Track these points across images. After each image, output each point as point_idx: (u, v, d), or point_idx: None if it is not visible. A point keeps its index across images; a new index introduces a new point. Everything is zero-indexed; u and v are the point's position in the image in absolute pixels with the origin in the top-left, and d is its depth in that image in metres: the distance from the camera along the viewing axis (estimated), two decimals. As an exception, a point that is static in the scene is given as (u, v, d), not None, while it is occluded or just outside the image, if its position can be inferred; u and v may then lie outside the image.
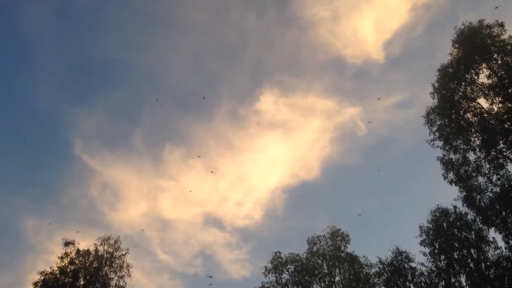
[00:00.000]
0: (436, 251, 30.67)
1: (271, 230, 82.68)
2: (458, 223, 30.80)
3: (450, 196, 34.95)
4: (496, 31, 29.59)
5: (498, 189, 28.21)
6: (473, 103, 29.97)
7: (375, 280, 33.85)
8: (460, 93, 30.29)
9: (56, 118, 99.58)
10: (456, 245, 30.24)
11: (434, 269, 30.49)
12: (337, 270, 35.81)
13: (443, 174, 30.11)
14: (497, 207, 27.86)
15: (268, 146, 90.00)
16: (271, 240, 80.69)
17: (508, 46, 28.85)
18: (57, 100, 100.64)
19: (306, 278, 35.63)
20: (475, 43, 29.59)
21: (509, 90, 28.37)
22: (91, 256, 36.68)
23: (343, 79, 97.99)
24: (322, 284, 35.28)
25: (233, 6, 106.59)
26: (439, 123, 30.86)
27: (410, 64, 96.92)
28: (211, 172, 74.61)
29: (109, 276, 36.14)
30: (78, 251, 36.62)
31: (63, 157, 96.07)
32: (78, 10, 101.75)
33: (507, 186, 27.99)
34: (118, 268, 36.69)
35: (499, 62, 29.10)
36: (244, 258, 74.99)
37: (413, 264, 31.64)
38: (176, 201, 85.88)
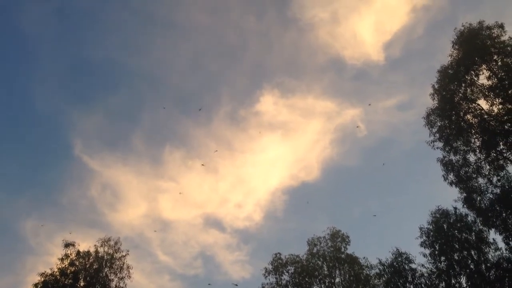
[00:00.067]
0: (436, 252, 30.68)
1: (271, 232, 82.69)
2: (458, 225, 30.84)
3: (450, 198, 35.05)
4: (496, 32, 29.60)
5: (498, 191, 28.21)
6: (473, 105, 29.99)
7: (375, 281, 33.81)
8: (460, 94, 30.30)
9: (56, 118, 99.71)
10: (457, 246, 30.26)
11: (434, 270, 30.49)
12: (337, 272, 35.78)
13: (443, 176, 30.12)
14: (497, 208, 27.87)
15: (268, 147, 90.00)
16: (271, 241, 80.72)
17: (508, 47, 28.84)
18: (57, 101, 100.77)
19: (306, 279, 35.61)
20: (475, 45, 29.58)
21: (509, 92, 28.37)
22: (91, 257, 36.64)
23: (343, 80, 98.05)
24: (322, 286, 35.25)
25: (233, 7, 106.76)
26: (439, 124, 30.86)
27: (410, 65, 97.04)
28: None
29: (109, 277, 36.11)
30: (78, 252, 36.58)
31: (63, 158, 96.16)
32: (78, 10, 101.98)
33: (507, 187, 27.99)
34: (118, 270, 36.66)
35: (499, 63, 29.11)
36: (244, 260, 74.97)
37: (413, 266, 31.67)
38: (176, 202, 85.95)
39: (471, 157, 29.54)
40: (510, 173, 28.36)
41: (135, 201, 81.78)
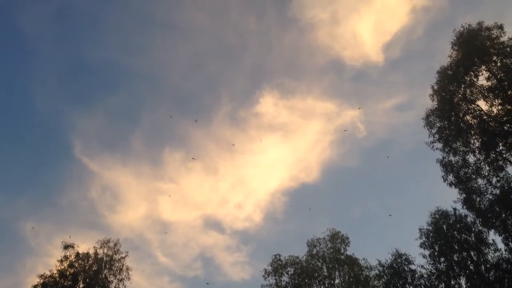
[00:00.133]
0: (436, 253, 30.64)
1: (271, 233, 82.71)
2: (458, 225, 30.79)
3: (449, 198, 35.10)
4: (495, 33, 29.56)
5: (497, 191, 28.19)
6: (473, 105, 29.95)
7: (375, 282, 33.81)
8: (460, 95, 30.28)
9: (56, 119, 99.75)
10: (456, 247, 30.21)
11: (434, 271, 30.45)
12: (337, 273, 35.78)
13: (442, 176, 30.12)
14: (497, 209, 27.84)
15: (268, 148, 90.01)
16: (271, 242, 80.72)
17: (507, 48, 28.79)
18: (57, 101, 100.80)
19: (306, 280, 35.60)
20: (474, 45, 29.55)
21: (509, 92, 28.34)
22: (90, 259, 36.63)
23: (343, 81, 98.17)
24: (322, 287, 35.23)
25: (233, 7, 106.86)
26: (438, 125, 30.84)
27: (410, 66, 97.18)
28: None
29: (109, 279, 36.12)
30: (77, 254, 36.58)
31: (63, 158, 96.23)
32: (78, 10, 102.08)
33: (506, 188, 27.97)
34: (118, 271, 36.66)
35: (498, 64, 29.06)
36: (244, 261, 74.98)
37: (412, 267, 31.60)
38: (175, 203, 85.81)
39: (471, 158, 29.58)
40: (509, 174, 28.36)
41: (134, 202, 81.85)
